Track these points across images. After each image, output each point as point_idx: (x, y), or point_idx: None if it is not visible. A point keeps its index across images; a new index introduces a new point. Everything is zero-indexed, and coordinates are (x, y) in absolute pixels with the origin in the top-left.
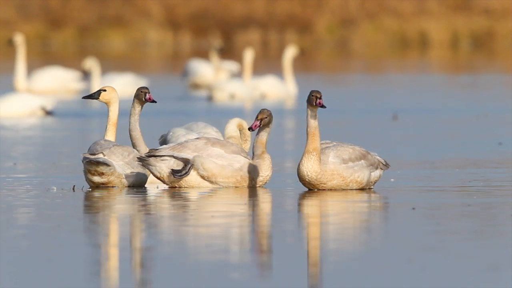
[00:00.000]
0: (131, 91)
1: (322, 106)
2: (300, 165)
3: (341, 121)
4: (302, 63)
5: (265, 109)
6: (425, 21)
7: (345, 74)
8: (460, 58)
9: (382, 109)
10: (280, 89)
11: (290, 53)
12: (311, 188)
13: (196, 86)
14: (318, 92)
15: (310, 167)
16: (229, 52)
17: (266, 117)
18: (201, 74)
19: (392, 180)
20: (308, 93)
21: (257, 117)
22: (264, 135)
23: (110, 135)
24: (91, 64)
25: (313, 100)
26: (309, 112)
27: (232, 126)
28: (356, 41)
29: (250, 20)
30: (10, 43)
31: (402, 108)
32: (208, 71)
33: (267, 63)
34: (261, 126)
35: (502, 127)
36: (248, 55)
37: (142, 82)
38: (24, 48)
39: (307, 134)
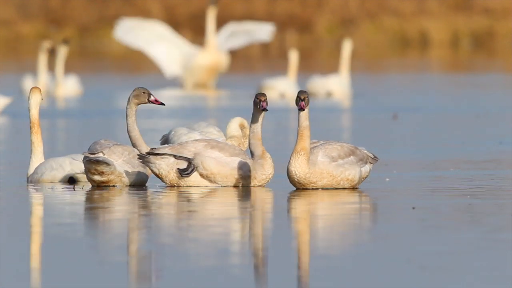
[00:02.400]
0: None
1: (301, 109)
2: (288, 165)
3: (341, 120)
4: (303, 63)
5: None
6: (425, 20)
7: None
8: (460, 57)
9: (382, 108)
10: (341, 87)
11: (347, 48)
12: (301, 188)
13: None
14: (303, 93)
15: (298, 167)
16: (229, 52)
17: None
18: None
19: (387, 179)
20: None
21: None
22: (259, 129)
23: (34, 137)
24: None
25: (296, 102)
26: (299, 112)
27: (234, 125)
28: (356, 41)
29: (250, 20)
30: (53, 52)
31: (402, 108)
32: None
33: (268, 63)
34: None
35: (502, 127)
36: (294, 56)
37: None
38: (64, 52)
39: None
